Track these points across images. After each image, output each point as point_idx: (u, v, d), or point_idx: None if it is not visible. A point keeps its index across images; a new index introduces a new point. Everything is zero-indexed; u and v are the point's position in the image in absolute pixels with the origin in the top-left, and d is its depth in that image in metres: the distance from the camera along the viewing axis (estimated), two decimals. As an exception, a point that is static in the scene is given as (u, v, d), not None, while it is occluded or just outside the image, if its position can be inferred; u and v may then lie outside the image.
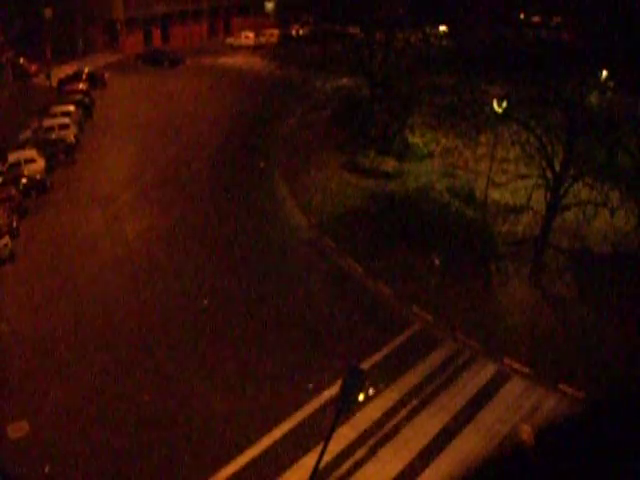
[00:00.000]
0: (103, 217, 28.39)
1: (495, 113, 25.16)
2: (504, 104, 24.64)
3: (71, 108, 39.35)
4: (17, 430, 16.16)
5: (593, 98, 23.77)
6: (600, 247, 25.15)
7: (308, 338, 20.05)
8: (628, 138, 21.53)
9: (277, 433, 16.16)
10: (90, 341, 19.86)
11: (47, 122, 36.61)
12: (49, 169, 32.55)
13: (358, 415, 16.61)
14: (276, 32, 66.79)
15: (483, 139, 30.30)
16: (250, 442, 15.83)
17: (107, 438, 16.02)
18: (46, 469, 15.03)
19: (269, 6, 76.54)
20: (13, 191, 28.52)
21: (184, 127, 40.76)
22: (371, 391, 17.32)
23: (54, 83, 48.33)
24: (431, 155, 35.07)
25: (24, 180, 29.98)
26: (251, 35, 66.76)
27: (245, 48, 65.91)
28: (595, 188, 22.15)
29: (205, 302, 21.93)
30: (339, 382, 9.12)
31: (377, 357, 19.12)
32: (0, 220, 25.42)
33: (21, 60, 53.15)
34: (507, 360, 19.07)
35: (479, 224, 27.08)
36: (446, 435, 16.27)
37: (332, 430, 9.10)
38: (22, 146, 34.30)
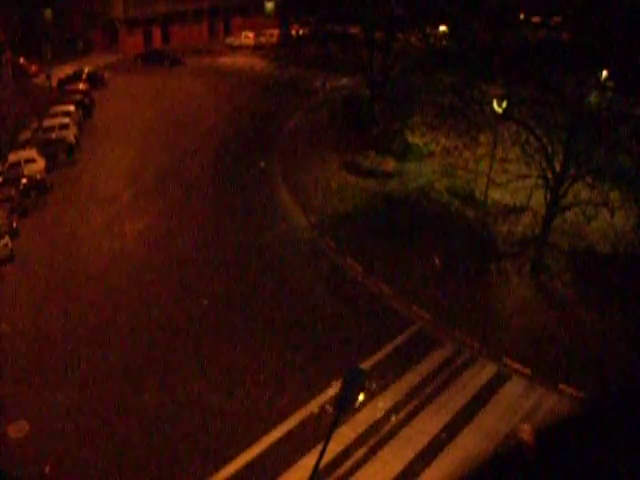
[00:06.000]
0: (103, 217, 28.40)
1: (495, 113, 25.13)
2: (504, 104, 24.60)
3: (71, 108, 39.36)
4: (17, 430, 16.17)
5: (593, 98, 23.75)
6: (600, 247, 25.14)
7: (308, 338, 20.05)
8: (628, 138, 21.52)
9: (277, 433, 16.17)
10: (90, 341, 19.86)
11: (47, 122, 36.61)
12: (49, 169, 32.57)
13: (358, 415, 16.61)
14: (276, 32, 66.64)
15: (483, 139, 30.25)
16: (250, 442, 15.84)
17: (107, 438, 16.03)
18: (46, 469, 15.04)
19: (269, 6, 76.52)
20: (13, 191, 28.53)
21: (184, 127, 40.77)
22: (371, 391, 17.31)
23: (54, 83, 48.35)
24: (431, 155, 35.04)
25: (24, 180, 29.99)
26: (251, 35, 66.77)
27: (245, 48, 65.93)
28: (595, 188, 22.14)
29: (205, 302, 21.94)
30: (339, 382, 9.12)
31: (377, 357, 19.13)
32: (0, 220, 25.43)
33: (21, 60, 53.17)
34: (507, 360, 19.08)
35: (479, 224, 27.08)
36: (446, 435, 16.27)
37: (332, 430, 9.10)
38: (22, 146, 34.32)
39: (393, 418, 16.82)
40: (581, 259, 24.56)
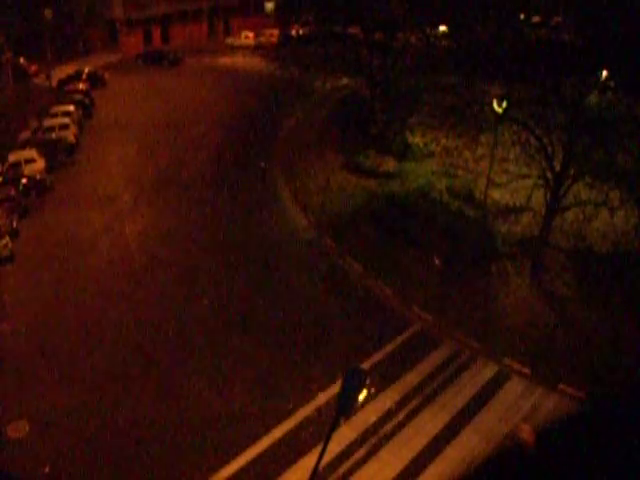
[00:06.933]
0: (103, 217, 28.39)
1: (495, 113, 25.13)
2: (504, 104, 24.60)
3: (71, 108, 39.37)
4: (17, 430, 16.16)
5: (593, 98, 23.75)
6: (600, 247, 25.13)
7: (308, 338, 20.04)
8: (628, 138, 21.51)
9: (277, 433, 16.17)
10: (90, 341, 19.86)
11: (47, 122, 36.62)
12: (49, 169, 32.56)
13: (358, 415, 16.59)
14: (276, 32, 66.76)
15: (483, 139, 30.26)
16: (250, 442, 15.84)
17: (107, 438, 16.03)
18: (46, 469, 15.03)
19: (269, 6, 76.53)
20: (13, 191, 28.52)
21: (184, 127, 40.76)
22: (372, 390, 17.30)
23: (54, 83, 48.35)
24: (431, 155, 35.04)
25: (24, 180, 29.98)
26: (251, 35, 66.78)
27: (245, 48, 65.93)
28: (595, 188, 22.14)
29: (205, 302, 21.94)
30: (339, 382, 9.11)
31: (377, 357, 19.13)
32: (0, 220, 25.42)
33: (21, 60, 53.15)
34: (507, 360, 19.08)
35: (479, 224, 27.07)
36: (446, 435, 16.27)
37: (332, 430, 9.10)
38: (22, 146, 34.31)
39: (393, 418, 16.81)
40: (581, 259, 24.54)
